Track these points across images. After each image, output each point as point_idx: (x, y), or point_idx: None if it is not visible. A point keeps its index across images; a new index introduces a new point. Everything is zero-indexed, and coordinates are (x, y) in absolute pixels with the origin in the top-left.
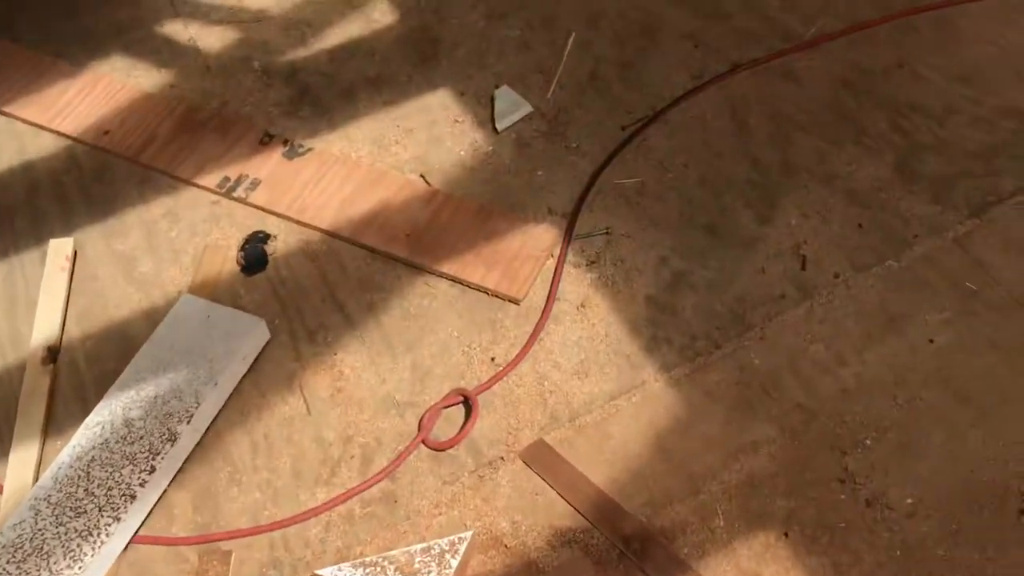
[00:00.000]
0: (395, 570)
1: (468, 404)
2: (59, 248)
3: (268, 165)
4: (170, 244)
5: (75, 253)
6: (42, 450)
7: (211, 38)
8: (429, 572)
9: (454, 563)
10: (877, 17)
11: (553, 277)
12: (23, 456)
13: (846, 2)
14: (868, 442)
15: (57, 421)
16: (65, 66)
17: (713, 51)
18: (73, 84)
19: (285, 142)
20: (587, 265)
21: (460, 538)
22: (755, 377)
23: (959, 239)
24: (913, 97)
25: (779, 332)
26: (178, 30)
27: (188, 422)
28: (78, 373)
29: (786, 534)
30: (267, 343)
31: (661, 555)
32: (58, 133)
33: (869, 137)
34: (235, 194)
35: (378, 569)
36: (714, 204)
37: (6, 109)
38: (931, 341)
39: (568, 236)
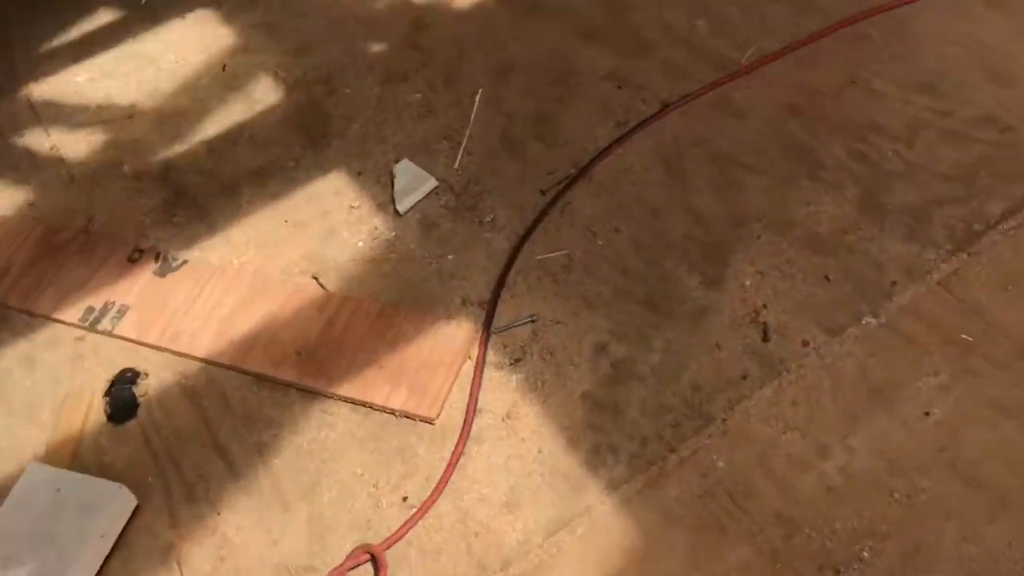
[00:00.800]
0: None
1: (376, 563)
2: None
3: (137, 287)
4: (26, 397)
5: None
6: None
7: (76, 144)
8: None
9: None
10: (819, 29)
11: (472, 384)
12: None
13: (782, 17)
14: (865, 554)
15: None
16: None
17: (638, 90)
18: None
19: (157, 256)
20: (511, 364)
21: None
22: (721, 484)
23: (944, 281)
24: (871, 117)
25: (744, 423)
26: (39, 138)
27: None
28: None
29: None
30: (136, 510)
31: None
32: None
33: (826, 170)
34: (100, 327)
35: None
36: (653, 272)
37: None
38: (927, 414)
39: (487, 330)
